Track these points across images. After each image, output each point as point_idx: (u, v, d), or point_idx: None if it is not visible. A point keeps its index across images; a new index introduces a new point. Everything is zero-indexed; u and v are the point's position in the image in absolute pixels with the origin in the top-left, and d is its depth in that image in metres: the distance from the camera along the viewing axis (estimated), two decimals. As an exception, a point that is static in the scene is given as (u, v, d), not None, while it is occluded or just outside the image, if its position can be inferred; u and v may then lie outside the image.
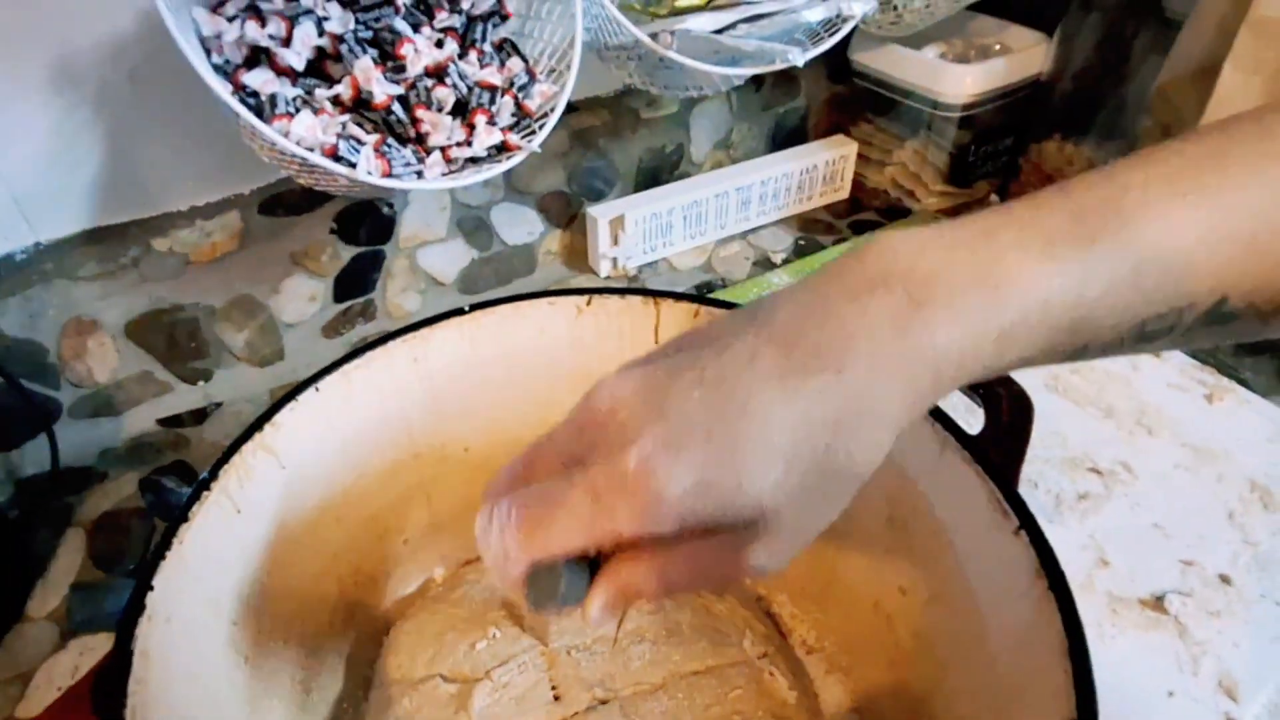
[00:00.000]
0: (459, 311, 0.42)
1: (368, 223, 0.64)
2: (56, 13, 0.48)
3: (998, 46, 0.77)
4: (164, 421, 0.61)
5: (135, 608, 0.29)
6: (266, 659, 0.37)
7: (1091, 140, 0.77)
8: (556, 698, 0.38)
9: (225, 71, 0.46)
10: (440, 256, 0.68)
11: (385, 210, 0.64)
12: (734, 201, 0.76)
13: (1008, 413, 0.37)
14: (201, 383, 0.62)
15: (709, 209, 0.75)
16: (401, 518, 0.45)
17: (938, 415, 0.36)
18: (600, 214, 0.71)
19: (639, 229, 0.72)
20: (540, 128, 0.50)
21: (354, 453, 0.41)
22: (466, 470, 0.47)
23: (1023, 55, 0.75)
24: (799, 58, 0.54)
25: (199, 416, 0.62)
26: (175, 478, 0.58)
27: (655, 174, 0.76)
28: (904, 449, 0.38)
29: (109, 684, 0.27)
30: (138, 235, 0.56)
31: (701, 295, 0.43)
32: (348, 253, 0.64)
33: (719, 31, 0.54)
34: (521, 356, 0.44)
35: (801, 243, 0.78)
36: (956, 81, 0.73)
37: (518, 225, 0.71)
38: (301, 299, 0.63)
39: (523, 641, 0.40)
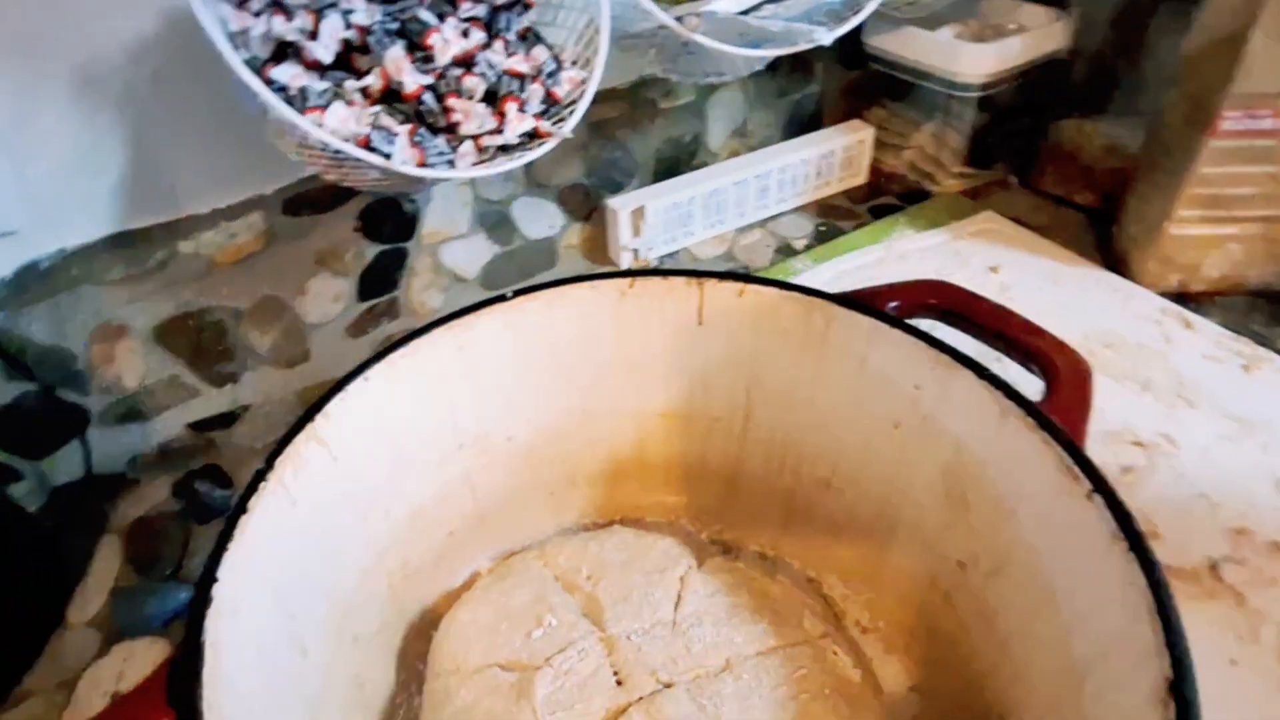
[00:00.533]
0: (502, 298, 0.42)
1: (390, 220, 0.63)
2: (80, 16, 0.47)
3: (1014, 25, 0.76)
4: (193, 425, 0.61)
5: (203, 601, 0.29)
6: (323, 653, 0.36)
7: (1110, 118, 0.77)
8: (619, 683, 0.37)
9: (253, 67, 0.46)
10: (462, 252, 0.68)
11: (407, 207, 0.64)
12: (753, 189, 0.76)
13: (1067, 379, 0.37)
14: (229, 386, 0.62)
15: (728, 197, 0.75)
16: (447, 509, 0.44)
17: (997, 383, 0.36)
18: (620, 205, 0.70)
19: (659, 219, 0.72)
20: (570, 114, 0.49)
21: (401, 444, 0.41)
22: (510, 460, 0.46)
23: (1039, 33, 0.74)
24: (825, 37, 0.53)
25: (228, 420, 0.62)
26: (207, 481, 0.58)
27: (673, 164, 0.76)
28: (961, 419, 0.38)
29: (183, 677, 0.27)
30: (163, 239, 0.56)
31: (746, 274, 0.43)
32: (371, 251, 0.63)
33: (745, 13, 0.53)
34: (565, 343, 0.44)
35: (822, 228, 0.78)
36: (973, 61, 0.72)
37: (538, 219, 0.71)
38: (326, 299, 0.63)
39: (580, 628, 0.39)
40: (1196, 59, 0.61)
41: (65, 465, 0.56)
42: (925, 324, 0.42)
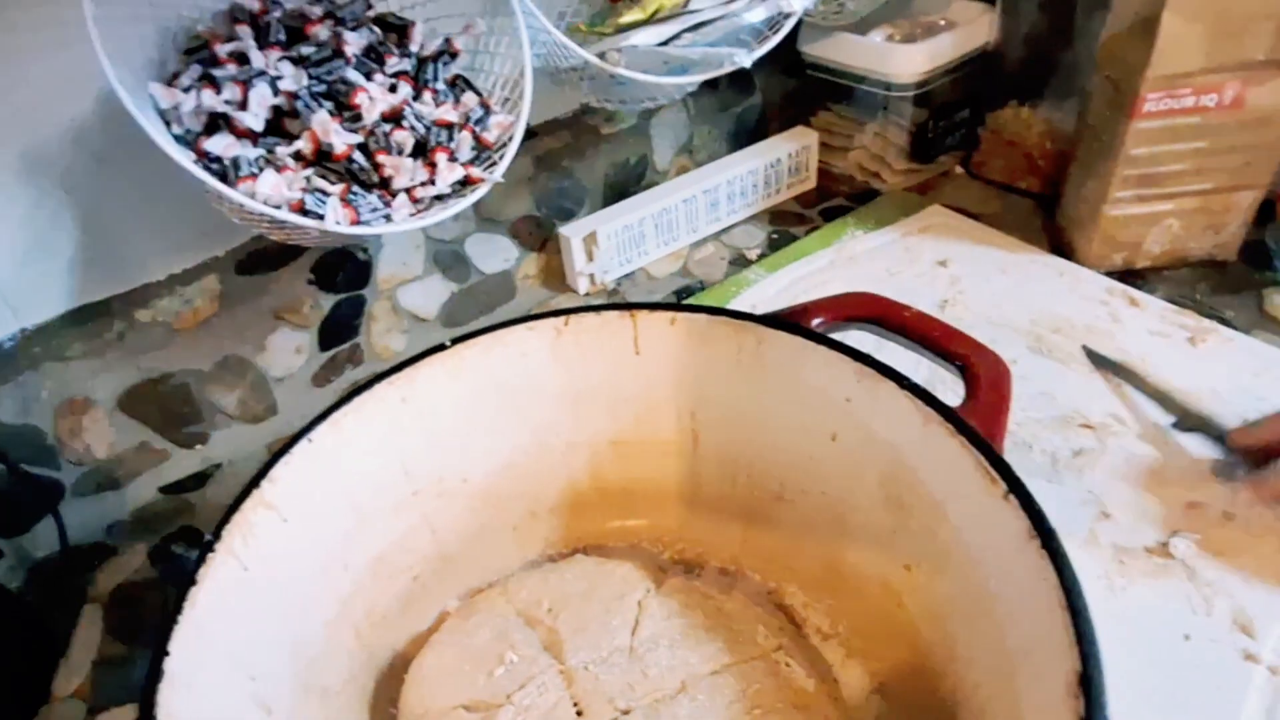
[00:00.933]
0: (440, 347, 0.43)
1: (345, 270, 0.65)
2: (19, 103, 0.49)
3: (943, 22, 0.78)
4: (166, 489, 0.62)
5: (154, 675, 0.30)
6: (288, 710, 0.37)
7: (1047, 103, 0.78)
8: (579, 714, 0.38)
9: (187, 141, 0.47)
10: (420, 294, 0.69)
11: (361, 255, 0.65)
12: (703, 204, 0.77)
13: (984, 381, 0.38)
14: (199, 446, 0.63)
15: (679, 215, 0.76)
16: (408, 555, 0.45)
17: (917, 391, 0.37)
18: (573, 233, 0.71)
19: (612, 243, 0.73)
20: (500, 158, 0.51)
21: (354, 498, 0.42)
22: (468, 500, 0.47)
23: (969, 28, 0.76)
24: (745, 59, 0.55)
25: (200, 480, 0.63)
26: (184, 544, 0.59)
27: (622, 187, 0.77)
28: (891, 428, 0.39)
29: (135, 753, 0.28)
30: (121, 309, 0.57)
31: (677, 303, 0.44)
32: (328, 301, 0.65)
33: (664, 43, 0.55)
34: (508, 384, 0.45)
35: (774, 236, 0.79)
36: (907, 61, 0.74)
37: (493, 254, 0.72)
38: (288, 352, 0.64)
39: (540, 662, 0.40)
40: (1114, 44, 0.63)
41: (43, 539, 0.57)
42: (866, 334, 0.43)
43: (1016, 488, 0.32)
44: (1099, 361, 0.60)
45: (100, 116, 0.51)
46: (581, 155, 0.74)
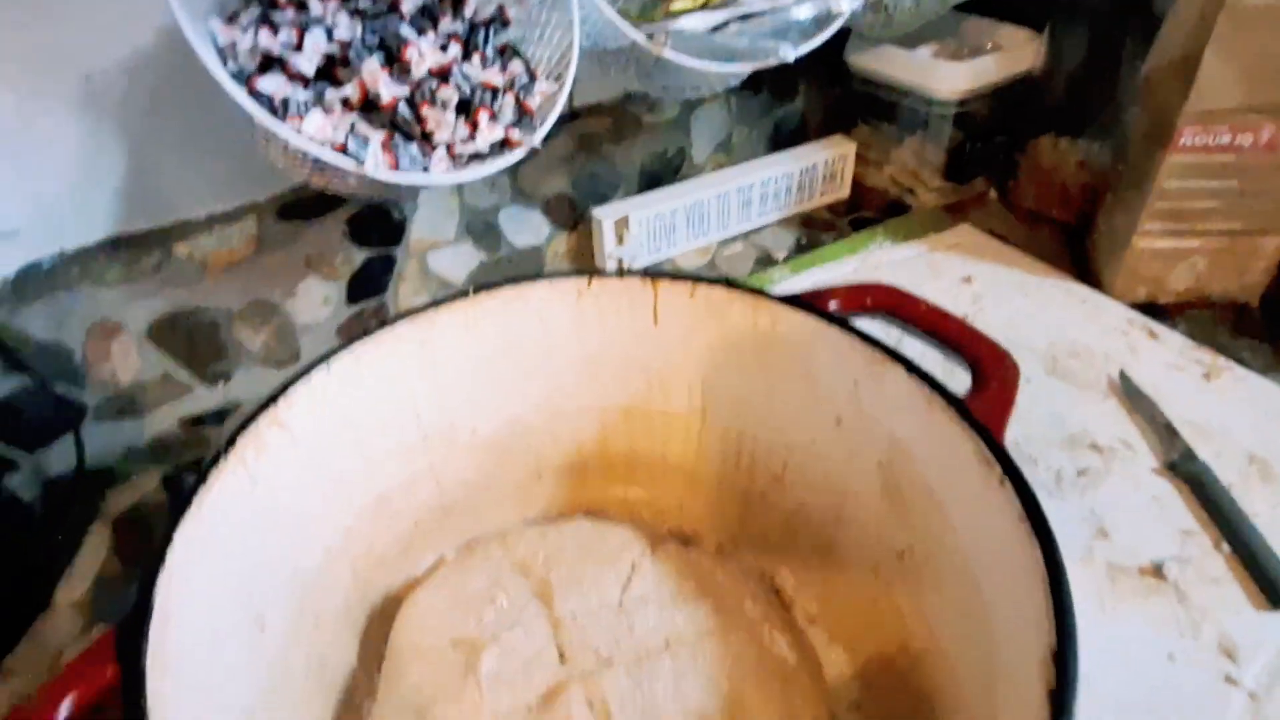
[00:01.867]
0: (463, 294, 0.44)
1: (379, 227, 0.66)
2: (82, 33, 0.50)
3: (990, 45, 0.78)
4: (186, 422, 0.63)
5: (156, 562, 0.31)
6: (282, 630, 0.38)
7: (1087, 138, 0.79)
8: (562, 660, 0.39)
9: (240, 79, 0.49)
10: (450, 259, 0.70)
11: (395, 215, 0.66)
12: (735, 202, 0.78)
13: (992, 375, 0.38)
14: (221, 384, 0.64)
15: (711, 209, 0.77)
16: (411, 499, 0.46)
17: (924, 377, 0.37)
18: (605, 215, 0.72)
19: (643, 229, 0.74)
20: (541, 124, 0.52)
21: (364, 433, 0.43)
22: (475, 453, 0.48)
23: (1014, 53, 0.76)
24: (790, 53, 0.56)
25: (220, 417, 0.64)
26: (196, 475, 0.60)
27: (658, 177, 0.78)
28: (895, 414, 0.39)
29: (130, 633, 0.29)
30: (159, 242, 0.58)
31: (698, 275, 0.45)
32: (360, 256, 0.66)
33: (713, 31, 0.56)
34: (525, 340, 0.46)
35: (803, 241, 0.80)
36: (949, 79, 0.74)
37: (525, 228, 0.73)
38: (315, 302, 0.65)
39: (530, 609, 0.41)
40: (1155, 78, 0.63)
41: (59, 457, 0.59)
42: (876, 326, 0.44)
43: (1012, 472, 0.33)
44: (1130, 390, 0.59)
45: (159, 51, 0.53)
46: (621, 141, 0.75)
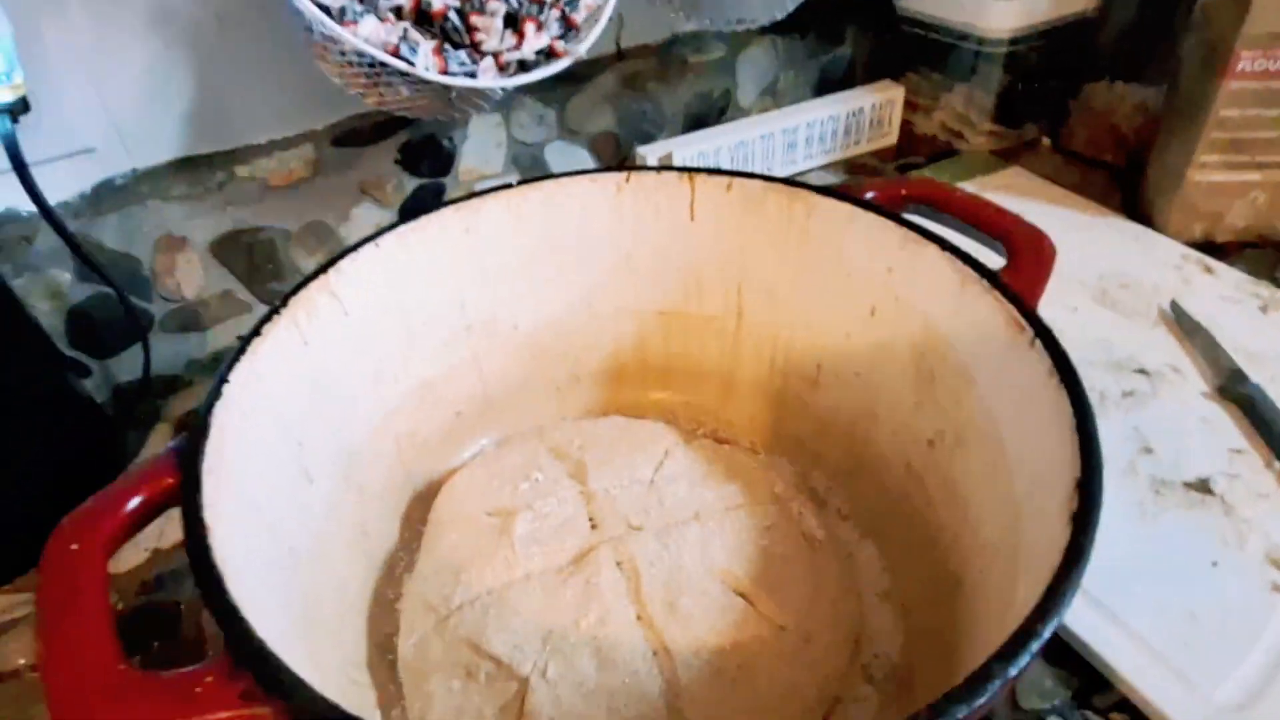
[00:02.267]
0: (506, 186, 0.45)
1: (429, 156, 0.68)
2: (153, -45, 0.53)
3: (1044, -15, 0.77)
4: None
5: (214, 394, 0.33)
6: (329, 489, 0.40)
7: (1143, 82, 0.77)
8: (593, 527, 0.40)
9: (300, -9, 0.51)
10: (497, 192, 0.72)
11: (446, 144, 0.68)
12: (780, 144, 0.78)
13: (1026, 250, 0.38)
14: (278, 304, 0.67)
15: (755, 151, 0.77)
16: (455, 388, 0.48)
17: (957, 253, 0.37)
18: (649, 153, 0.73)
19: (687, 168, 0.75)
20: (585, 36, 0.53)
21: (410, 315, 0.44)
22: (516, 349, 0.50)
23: (1069, -8, 0.75)
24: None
25: (275, 335, 0.67)
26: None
27: (703, 118, 0.79)
28: (928, 295, 0.40)
29: (190, 443, 0.31)
30: (222, 163, 0.61)
31: (735, 170, 0.45)
32: (411, 184, 0.68)
33: (757, -50, 0.56)
34: (565, 234, 0.47)
35: (848, 184, 0.80)
36: (1001, 16, 0.74)
37: (571, 164, 0.75)
38: (368, 226, 0.67)
39: (563, 483, 0.42)
40: (1213, 4, 0.62)
41: (128, 364, 0.62)
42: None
43: (1043, 333, 0.33)
44: (1183, 320, 0.58)
45: (225, -28, 0.56)
46: (667, 81, 0.76)
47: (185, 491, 0.29)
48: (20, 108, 0.50)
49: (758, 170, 0.79)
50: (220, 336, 0.66)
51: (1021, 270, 0.38)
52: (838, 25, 0.82)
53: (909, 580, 0.42)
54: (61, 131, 0.55)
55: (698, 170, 0.45)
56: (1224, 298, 0.61)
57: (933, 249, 0.38)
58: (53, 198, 0.56)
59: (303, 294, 0.38)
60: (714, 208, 0.46)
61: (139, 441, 0.59)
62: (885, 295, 0.42)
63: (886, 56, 0.85)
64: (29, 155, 0.50)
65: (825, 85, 0.85)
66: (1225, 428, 0.51)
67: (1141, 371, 0.55)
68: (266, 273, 0.66)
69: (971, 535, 0.37)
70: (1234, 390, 0.52)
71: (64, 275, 0.59)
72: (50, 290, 0.58)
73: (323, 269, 0.40)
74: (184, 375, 0.64)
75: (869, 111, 0.81)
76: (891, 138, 0.84)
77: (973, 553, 0.37)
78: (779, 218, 0.44)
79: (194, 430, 0.31)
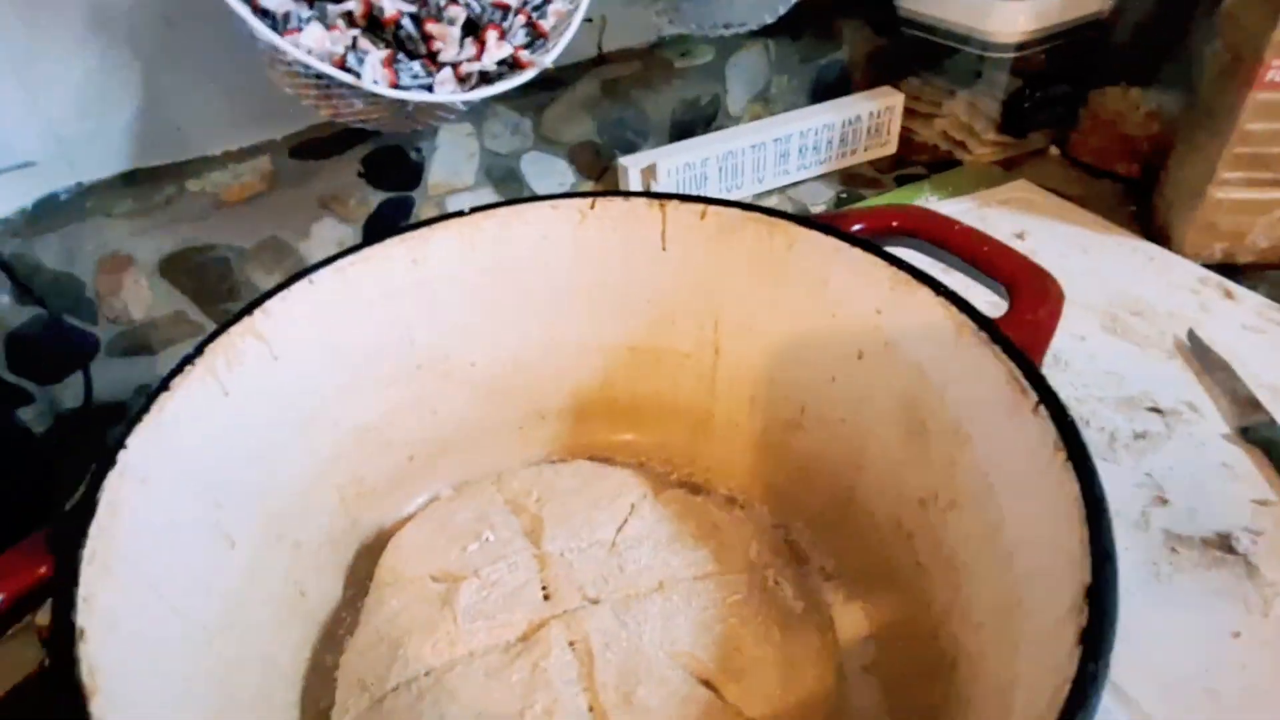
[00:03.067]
0: (459, 213, 0.41)
1: (396, 168, 0.64)
2: (85, -49, 0.49)
3: (1053, -14, 0.73)
4: (198, 362, 0.62)
5: (107, 461, 0.29)
6: (255, 550, 0.36)
7: (1158, 88, 0.73)
8: (546, 597, 0.36)
9: (245, -3, 0.47)
10: (469, 204, 0.68)
11: (413, 155, 0.64)
12: (772, 153, 0.74)
13: (1031, 297, 0.34)
14: (234, 325, 0.63)
15: (745, 160, 0.73)
16: (403, 431, 0.44)
17: (953, 298, 0.33)
18: (632, 164, 0.69)
19: (671, 180, 0.70)
20: (553, 45, 0.49)
21: (350, 355, 0.40)
22: (473, 388, 0.46)
23: (1079, -6, 0.71)
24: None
25: (232, 358, 0.63)
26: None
27: (690, 126, 0.75)
28: (920, 342, 0.36)
29: (70, 524, 0.27)
30: (172, 176, 0.57)
31: (709, 198, 0.41)
32: (376, 198, 0.64)
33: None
34: (524, 265, 0.43)
35: (843, 195, 0.75)
36: (1008, 19, 0.69)
37: (548, 175, 0.70)
38: (330, 243, 0.64)
39: (515, 544, 0.38)
40: (1237, 8, 0.57)
41: (73, 390, 0.59)
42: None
43: (1048, 398, 0.29)
44: (1200, 350, 0.54)
45: (166, -29, 0.52)
46: (651, 87, 0.71)
47: (58, 587, 0.25)
48: (-55, 122, 0.47)
49: (748, 181, 0.75)
50: (172, 359, 0.62)
51: (1025, 318, 0.33)
52: (834, 27, 0.78)
53: (896, 653, 0.38)
54: (-3, 144, 0.51)
55: (669, 196, 0.41)
56: (1246, 326, 0.57)
57: (925, 291, 0.34)
58: (-11, 214, 0.53)
59: (222, 339, 0.34)
60: (687, 237, 0.42)
61: (80, 473, 0.55)
62: (873, 339, 0.38)
63: (885, 60, 0.81)
64: (-41, 168, 0.47)
65: (820, 90, 0.80)
66: (1248, 474, 0.47)
67: (1155, 410, 0.51)
68: (221, 293, 0.62)
69: (965, 611, 0.33)
70: (1257, 432, 0.48)
71: (1, 298, 0.55)
72: (-15, 313, 0.55)
73: (247, 310, 0.36)
74: (131, 401, 0.60)
75: (866, 119, 0.77)
76: (890, 147, 0.80)
77: (966, 631, 0.33)
78: (758, 249, 0.40)
79: (76, 509, 0.27)
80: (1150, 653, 0.39)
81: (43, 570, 0.27)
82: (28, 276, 0.55)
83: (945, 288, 0.34)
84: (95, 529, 0.27)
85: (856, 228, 0.39)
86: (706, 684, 0.33)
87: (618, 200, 0.41)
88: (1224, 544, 0.43)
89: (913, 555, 0.38)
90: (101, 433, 0.58)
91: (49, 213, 0.55)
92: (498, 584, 0.36)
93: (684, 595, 0.35)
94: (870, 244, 0.36)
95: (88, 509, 0.27)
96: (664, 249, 0.42)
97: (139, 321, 0.60)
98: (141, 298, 0.59)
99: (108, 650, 0.26)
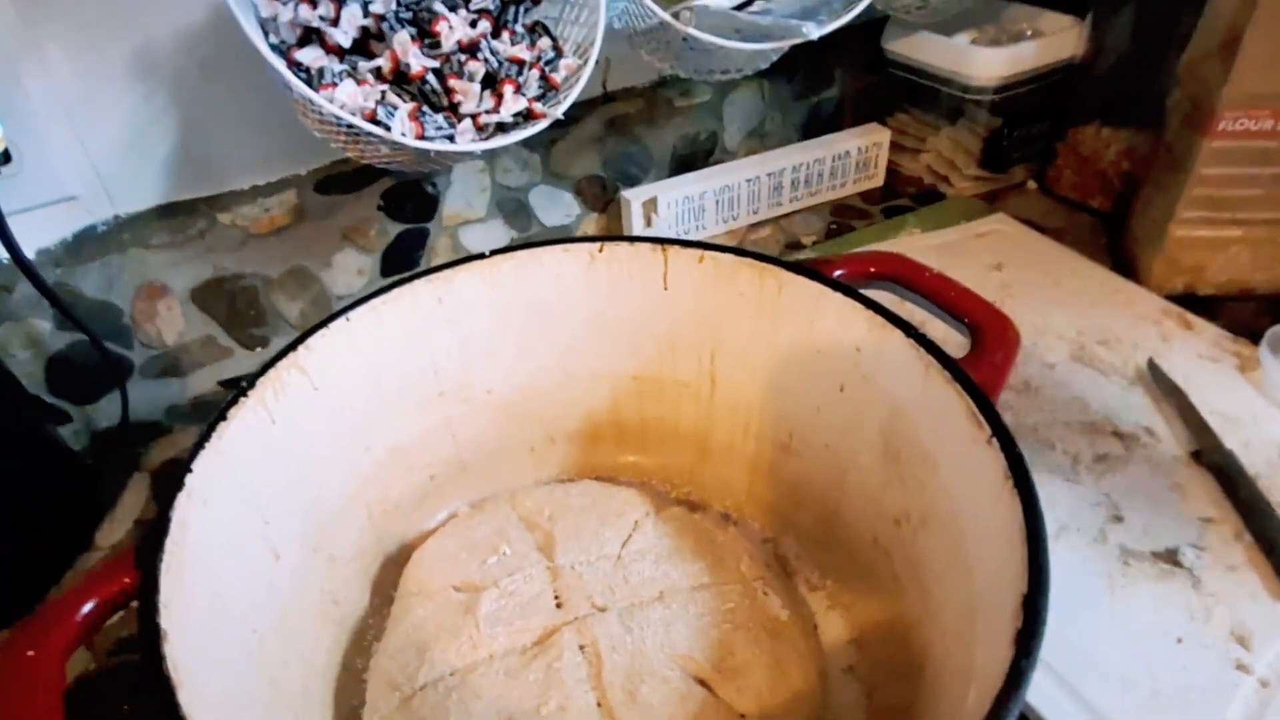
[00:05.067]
0: (480, 256, 0.45)
1: (413, 201, 0.68)
2: (137, 5, 0.53)
3: (1030, 31, 0.78)
4: (225, 383, 0.67)
5: (176, 485, 0.33)
6: (297, 562, 0.40)
7: (1131, 128, 0.77)
8: (559, 605, 0.40)
9: (281, 50, 0.51)
10: (481, 236, 0.72)
11: (429, 189, 0.69)
12: (766, 187, 0.79)
13: (991, 339, 0.38)
14: (259, 349, 0.67)
15: (741, 194, 0.78)
16: (428, 453, 0.48)
17: (921, 340, 0.38)
18: (634, 197, 0.74)
19: (672, 211, 0.75)
20: (565, 98, 0.53)
21: (382, 384, 0.45)
22: (491, 413, 0.50)
23: (1055, 39, 0.75)
24: (814, 31, 0.56)
25: (257, 380, 0.67)
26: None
27: (689, 161, 0.79)
28: (894, 378, 0.40)
29: (149, 542, 0.31)
30: (205, 210, 0.62)
31: (706, 242, 0.45)
32: (394, 229, 0.68)
33: (737, 8, 0.57)
34: (540, 301, 0.47)
35: (833, 226, 0.80)
36: (987, 65, 0.74)
37: (555, 208, 0.75)
38: (351, 272, 0.68)
39: (530, 558, 0.42)
40: (1196, 61, 0.62)
41: (107, 411, 0.62)
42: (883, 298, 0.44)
43: (1000, 432, 0.33)
44: (1160, 380, 0.58)
45: (209, 25, 0.56)
46: (653, 124, 0.76)
47: (142, 595, 0.29)
48: (0, 159, 0.51)
49: (744, 213, 0.79)
50: (201, 381, 0.66)
51: (985, 358, 0.38)
52: (826, 67, 0.82)
53: (874, 656, 0.42)
54: (43, 180, 0.55)
55: (671, 241, 0.45)
56: (1202, 355, 0.61)
57: (898, 334, 0.39)
58: (34, 245, 0.56)
59: (270, 373, 0.38)
60: (687, 278, 0.46)
61: (116, 487, 0.59)
62: (854, 374, 0.42)
63: (873, 98, 0.86)
64: (10, 203, 0.51)
65: (812, 126, 0.85)
66: (1197, 495, 0.51)
67: (1116, 434, 0.55)
68: (248, 319, 0.66)
69: (933, 619, 0.38)
70: (1207, 456, 0.52)
71: (44, 324, 0.59)
72: (30, 338, 0.59)
73: (292, 346, 0.40)
74: (164, 421, 0.64)
75: (855, 154, 0.81)
76: (878, 180, 0.85)
77: (934, 637, 0.37)
78: (751, 290, 0.45)
79: (154, 527, 0.31)
80: (1102, 656, 0.43)
81: (127, 580, 0.30)
82: (70, 304, 0.59)
83: (915, 330, 0.38)
84: (170, 544, 0.31)
85: (839, 273, 0.43)
86: (703, 683, 0.37)
87: (624, 244, 0.46)
88: (1171, 558, 0.48)
89: (889, 568, 0.42)
90: (136, 450, 0.62)
91: (88, 244, 0.59)
92: (515, 594, 0.40)
93: (683, 603, 0.39)
94: (850, 289, 0.41)
95: (162, 527, 0.31)
96: (666, 289, 0.46)
97: (171, 346, 0.64)
98: (174, 324, 0.63)
99: (184, 650, 0.29)
